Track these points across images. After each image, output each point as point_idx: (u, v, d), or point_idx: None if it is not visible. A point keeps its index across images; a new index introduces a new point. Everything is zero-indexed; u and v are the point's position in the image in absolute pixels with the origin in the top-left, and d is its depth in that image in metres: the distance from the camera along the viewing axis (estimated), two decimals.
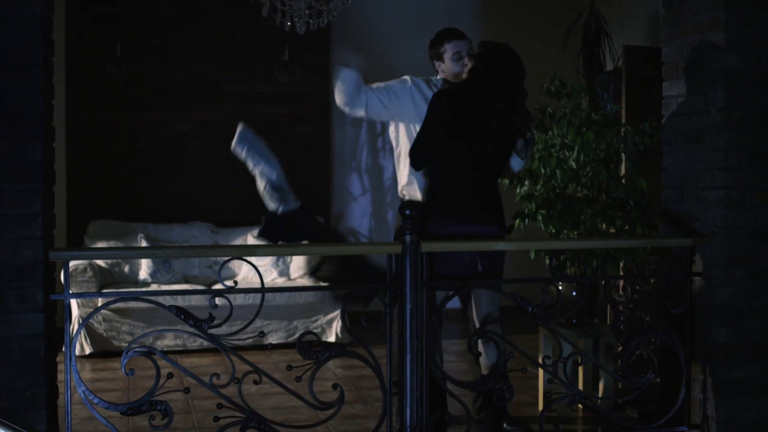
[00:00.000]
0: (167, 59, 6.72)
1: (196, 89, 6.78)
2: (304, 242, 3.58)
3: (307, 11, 5.08)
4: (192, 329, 3.07)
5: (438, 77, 4.02)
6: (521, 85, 3.69)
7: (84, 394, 3.00)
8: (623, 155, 4.31)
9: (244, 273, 6.23)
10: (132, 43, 6.59)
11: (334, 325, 6.02)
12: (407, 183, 3.94)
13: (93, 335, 5.69)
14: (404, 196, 3.98)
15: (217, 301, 5.87)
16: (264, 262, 6.09)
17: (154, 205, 6.67)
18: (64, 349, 5.81)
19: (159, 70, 6.71)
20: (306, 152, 7.00)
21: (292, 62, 6.77)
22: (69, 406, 3.04)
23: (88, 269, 5.64)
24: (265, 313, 5.89)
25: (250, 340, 5.91)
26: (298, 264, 6.25)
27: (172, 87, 6.73)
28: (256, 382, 3.14)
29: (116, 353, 5.77)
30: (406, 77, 4.02)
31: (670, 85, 3.81)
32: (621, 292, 4.75)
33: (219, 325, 3.07)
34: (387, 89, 3.94)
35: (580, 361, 3.57)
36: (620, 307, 4.67)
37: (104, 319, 5.71)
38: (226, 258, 3.08)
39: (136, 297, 2.98)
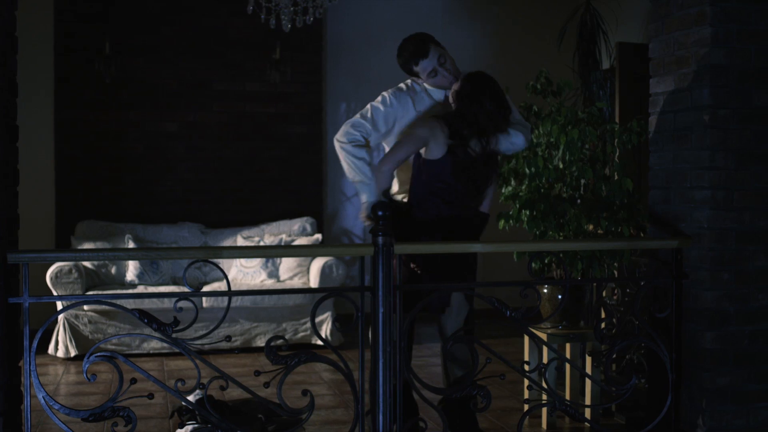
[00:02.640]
0: (156, 58, 6.65)
1: (185, 88, 6.71)
2: None
3: (292, 8, 4.98)
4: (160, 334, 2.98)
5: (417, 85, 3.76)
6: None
7: (44, 399, 2.92)
8: (611, 154, 4.19)
9: (233, 274, 6.15)
10: (121, 42, 6.52)
11: (324, 327, 5.93)
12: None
13: (78, 337, 5.62)
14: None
15: (205, 303, 5.77)
16: (253, 264, 6.02)
17: (143, 206, 6.60)
18: (50, 352, 5.76)
19: (148, 69, 6.63)
20: (298, 152, 6.92)
21: (284, 61, 6.69)
22: (29, 411, 2.95)
23: (73, 271, 5.58)
24: (253, 315, 5.86)
25: (238, 342, 5.85)
26: (288, 265, 6.16)
27: (161, 86, 6.66)
28: (222, 388, 3.05)
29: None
30: (384, 94, 3.70)
31: (657, 82, 3.70)
32: (614, 296, 4.64)
33: (184, 329, 2.97)
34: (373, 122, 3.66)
35: (562, 366, 3.44)
36: (608, 311, 4.55)
37: (90, 321, 5.64)
38: (191, 260, 2.98)
39: (98, 300, 2.89)
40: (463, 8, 7.32)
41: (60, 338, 5.62)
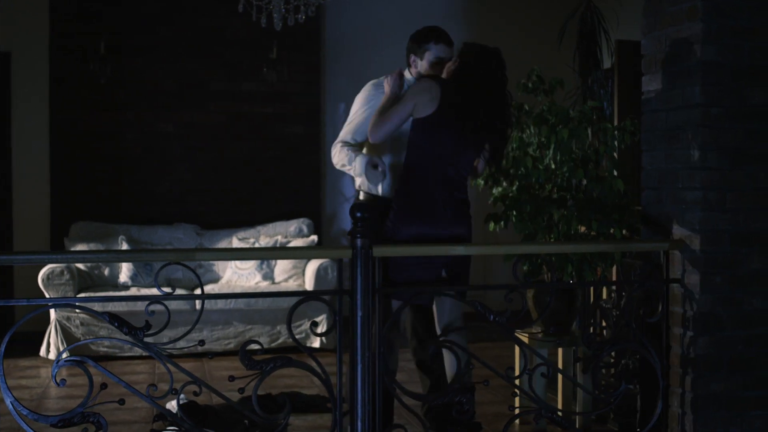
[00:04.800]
0: (152, 58, 6.60)
1: (181, 88, 6.66)
2: None
3: (283, 6, 4.91)
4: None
5: (408, 75, 3.80)
6: (506, 91, 3.49)
7: (12, 405, 2.85)
8: (605, 154, 4.09)
9: (228, 276, 6.09)
10: (117, 42, 6.48)
11: (319, 329, 5.85)
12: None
13: (70, 339, 5.57)
14: (360, 190, 3.78)
15: (198, 305, 5.69)
16: (247, 266, 5.94)
17: (139, 207, 6.55)
18: (42, 354, 5.72)
19: (144, 68, 6.59)
20: (295, 152, 6.85)
21: (281, 60, 6.62)
22: None
23: (65, 272, 5.53)
24: (247, 317, 5.80)
25: (231, 345, 5.79)
26: (283, 267, 6.08)
27: (157, 86, 6.61)
28: (195, 393, 2.98)
29: (94, 358, 5.65)
30: (367, 88, 3.78)
31: (649, 80, 3.60)
32: (610, 300, 4.54)
33: (155, 334, 2.90)
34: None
35: (549, 372, 3.35)
36: (605, 315, 4.45)
37: (82, 323, 5.58)
38: (164, 263, 2.91)
39: (68, 304, 2.82)
40: (463, 7, 7.24)
41: (52, 340, 5.58)
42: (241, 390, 2.98)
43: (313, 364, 3.04)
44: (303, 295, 3.05)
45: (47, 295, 5.49)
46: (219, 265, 6.10)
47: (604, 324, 4.46)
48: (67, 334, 5.57)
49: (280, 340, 5.86)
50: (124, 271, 5.83)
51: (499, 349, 5.69)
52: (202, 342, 2.91)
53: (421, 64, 3.66)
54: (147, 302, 2.80)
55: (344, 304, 3.05)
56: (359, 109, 3.71)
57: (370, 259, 3.00)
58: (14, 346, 6.03)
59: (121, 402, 2.99)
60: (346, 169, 3.69)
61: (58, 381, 2.90)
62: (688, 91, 3.32)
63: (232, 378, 2.99)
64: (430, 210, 3.43)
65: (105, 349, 5.62)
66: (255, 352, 2.99)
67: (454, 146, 3.44)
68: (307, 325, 5.83)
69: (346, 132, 3.72)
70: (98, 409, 2.91)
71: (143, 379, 5.13)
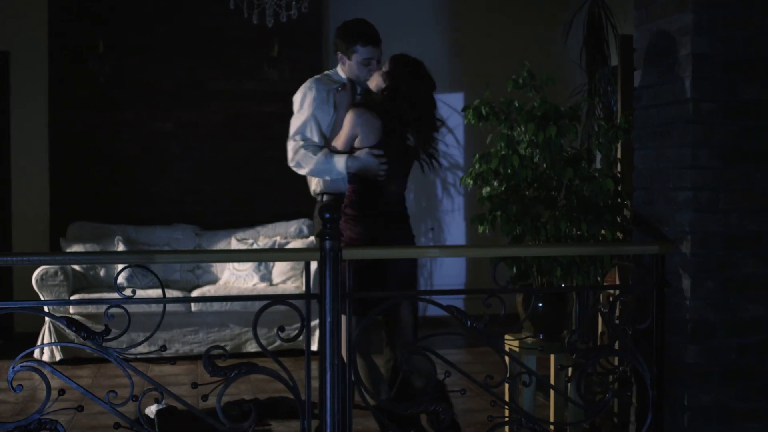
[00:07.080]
0: (151, 57, 6.54)
1: (180, 87, 6.59)
2: None
3: (275, 2, 4.81)
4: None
5: (338, 72, 3.92)
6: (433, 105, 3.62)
7: None
8: (599, 152, 3.93)
9: (226, 277, 5.99)
10: (115, 41, 6.43)
11: (317, 333, 5.74)
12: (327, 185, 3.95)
13: (64, 341, 5.51)
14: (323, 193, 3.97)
15: (194, 308, 5.61)
16: (245, 267, 5.84)
17: (137, 207, 6.50)
18: (36, 356, 5.67)
19: (143, 68, 6.53)
20: None
21: (281, 58, 6.53)
22: None
23: (59, 273, 5.47)
24: (243, 319, 5.70)
25: (228, 347, 5.69)
26: (281, 269, 5.98)
27: (156, 85, 6.55)
28: (157, 400, 2.88)
29: (87, 360, 5.60)
30: (309, 87, 4.00)
31: (641, 75, 3.44)
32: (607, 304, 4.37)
33: (116, 338, 2.81)
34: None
35: (529, 380, 3.20)
36: (605, 320, 4.28)
37: None
38: (127, 265, 2.81)
39: (24, 308, 2.74)
40: (466, 2, 7.09)
41: (45, 342, 5.52)
42: (205, 397, 2.88)
43: (280, 370, 2.93)
44: (270, 299, 2.93)
45: (41, 297, 5.44)
46: (217, 267, 6.01)
47: (600, 330, 4.30)
48: (61, 336, 5.51)
49: (276, 343, 5.75)
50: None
51: (488, 354, 5.54)
52: (164, 347, 2.81)
53: (350, 63, 3.82)
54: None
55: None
56: (302, 108, 4.00)
57: (339, 261, 2.88)
58: (12, 346, 6.03)
59: (80, 409, 2.91)
60: (301, 170, 3.97)
61: (14, 386, 2.81)
62: (678, 86, 3.16)
63: (195, 385, 2.89)
64: (381, 224, 3.55)
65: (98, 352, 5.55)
66: (219, 357, 2.88)
67: (399, 169, 3.61)
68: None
69: (297, 127, 3.96)
70: (60, 415, 2.84)
71: (134, 382, 5.04)
